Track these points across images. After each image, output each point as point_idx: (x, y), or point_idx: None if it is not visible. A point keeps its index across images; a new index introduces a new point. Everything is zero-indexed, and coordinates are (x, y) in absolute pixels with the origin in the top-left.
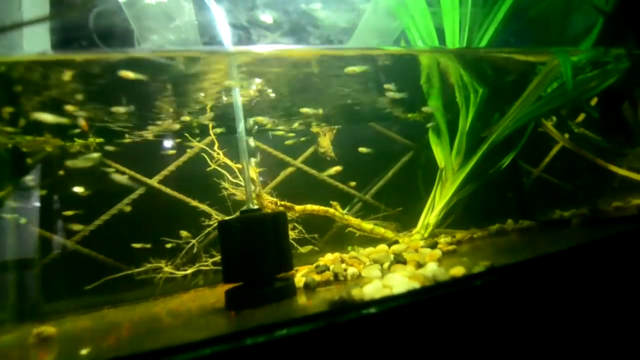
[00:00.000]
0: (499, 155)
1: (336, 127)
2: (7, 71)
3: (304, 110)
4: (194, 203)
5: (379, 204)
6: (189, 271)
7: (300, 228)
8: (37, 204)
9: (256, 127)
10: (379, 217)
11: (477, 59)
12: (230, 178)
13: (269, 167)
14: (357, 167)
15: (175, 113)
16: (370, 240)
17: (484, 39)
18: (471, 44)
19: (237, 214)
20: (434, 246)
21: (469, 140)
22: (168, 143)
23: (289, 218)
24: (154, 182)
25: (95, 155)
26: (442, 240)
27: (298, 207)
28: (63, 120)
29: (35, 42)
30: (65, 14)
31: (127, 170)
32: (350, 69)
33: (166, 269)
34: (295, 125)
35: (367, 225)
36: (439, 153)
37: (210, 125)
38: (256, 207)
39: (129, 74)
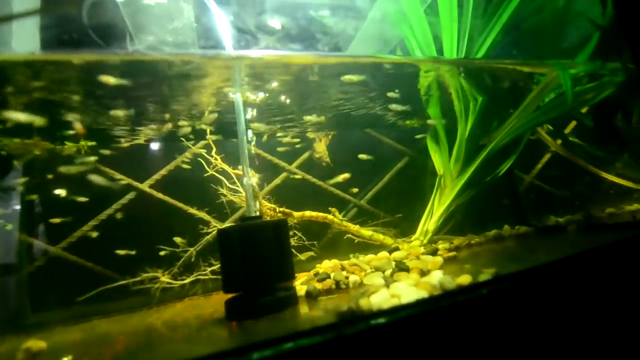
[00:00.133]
0: (497, 162)
1: (332, 132)
2: None
3: (308, 118)
4: (192, 210)
5: (374, 210)
6: (187, 280)
7: (300, 235)
8: (23, 209)
9: (252, 135)
10: (378, 223)
11: (477, 68)
12: (228, 184)
13: (263, 172)
14: (353, 172)
15: (171, 117)
16: (369, 246)
17: (482, 49)
18: (470, 55)
19: (237, 221)
20: (434, 253)
21: (468, 148)
22: (163, 147)
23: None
24: (145, 186)
25: (91, 159)
26: (441, 246)
27: (297, 214)
28: (37, 120)
29: (25, 40)
30: (56, 8)
31: (118, 175)
32: (347, 78)
33: (163, 278)
34: (291, 133)
35: (366, 232)
36: (438, 160)
37: (208, 130)
38: (257, 214)
39: (110, 79)
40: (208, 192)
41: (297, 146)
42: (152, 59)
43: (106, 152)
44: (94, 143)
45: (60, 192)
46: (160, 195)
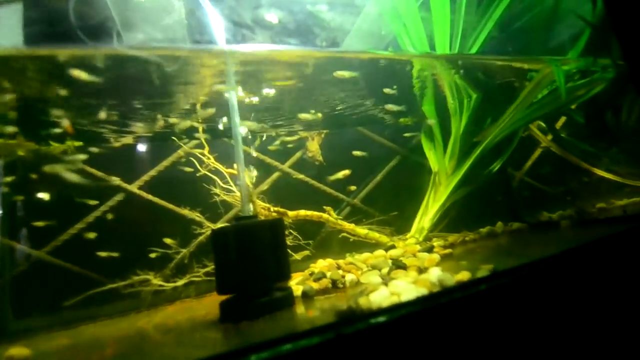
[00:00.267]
0: (490, 159)
1: (324, 131)
2: None
3: (303, 116)
4: (184, 211)
5: (367, 208)
6: (180, 283)
7: (296, 234)
8: (5, 211)
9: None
10: (373, 221)
11: (471, 64)
12: (221, 183)
13: (257, 171)
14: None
15: (161, 115)
16: (364, 245)
17: (475, 46)
18: (463, 51)
19: (232, 221)
20: (430, 250)
21: (462, 145)
22: (153, 147)
23: None
24: (134, 187)
25: (79, 157)
26: (436, 243)
27: (291, 213)
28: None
29: (6, 34)
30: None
31: (106, 176)
32: (339, 74)
33: (155, 281)
34: (284, 132)
35: (362, 230)
36: (432, 157)
37: (201, 129)
38: (252, 214)
39: (82, 75)
40: (201, 192)
41: (290, 145)
42: (140, 54)
43: (94, 151)
44: (80, 143)
45: (45, 194)
46: (150, 197)
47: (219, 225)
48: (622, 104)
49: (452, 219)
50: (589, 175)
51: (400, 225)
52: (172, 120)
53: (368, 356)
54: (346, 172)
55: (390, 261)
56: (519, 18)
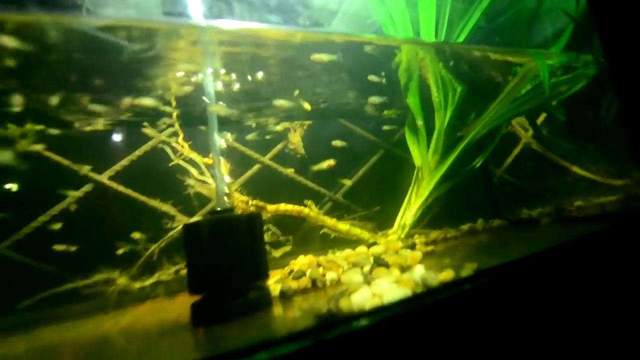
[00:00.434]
0: (473, 154)
1: (307, 122)
2: None
3: (279, 102)
4: (154, 202)
5: (349, 203)
6: (147, 283)
7: (274, 230)
8: None
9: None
10: (355, 217)
11: (456, 55)
12: (196, 174)
13: (233, 162)
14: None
15: (127, 97)
16: (345, 241)
17: (461, 37)
18: (449, 40)
19: (207, 215)
20: (412, 247)
21: (446, 139)
22: (121, 133)
23: None
24: (104, 178)
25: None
26: (418, 240)
27: (271, 207)
28: None
29: None
30: None
31: (71, 164)
32: (317, 57)
33: (120, 281)
34: (263, 120)
35: (343, 226)
36: (416, 151)
37: (175, 115)
38: (228, 207)
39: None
40: (174, 183)
41: (268, 137)
42: (109, 24)
43: (57, 137)
44: (42, 127)
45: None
46: (121, 188)
47: (193, 219)
48: (601, 101)
49: (434, 215)
50: (567, 173)
51: (382, 220)
52: (142, 102)
53: None
54: (331, 162)
55: (372, 259)
56: (503, 13)
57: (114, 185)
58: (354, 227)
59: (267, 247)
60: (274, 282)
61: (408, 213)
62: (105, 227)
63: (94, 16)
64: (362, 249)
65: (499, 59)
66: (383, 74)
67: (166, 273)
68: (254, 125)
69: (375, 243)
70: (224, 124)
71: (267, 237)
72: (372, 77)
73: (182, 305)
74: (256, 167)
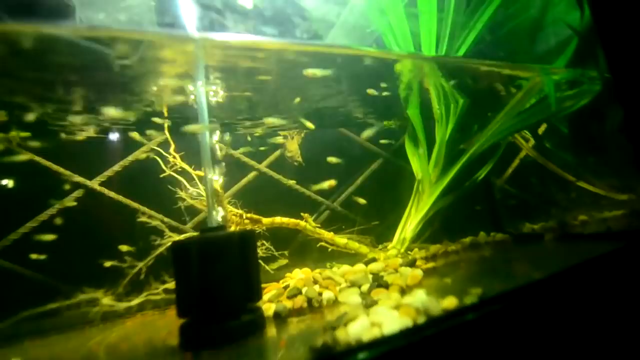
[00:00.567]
0: (475, 167)
1: (304, 130)
2: None
3: (269, 120)
4: (144, 218)
5: (347, 213)
6: (134, 303)
7: (271, 241)
8: None
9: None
10: (354, 231)
11: (459, 68)
12: (189, 186)
13: (229, 171)
14: (326, 173)
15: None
16: (344, 254)
17: (463, 48)
18: (450, 53)
19: (196, 233)
20: (412, 264)
21: (447, 152)
22: (113, 144)
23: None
24: (94, 184)
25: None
26: (418, 255)
27: (266, 220)
28: None
29: None
30: None
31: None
32: (310, 72)
33: (105, 301)
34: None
35: (341, 240)
36: (416, 163)
37: (166, 125)
38: (219, 224)
39: None
40: (165, 195)
41: (262, 148)
42: (97, 35)
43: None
44: (27, 134)
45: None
46: (112, 194)
47: (183, 236)
48: (607, 116)
49: (433, 229)
50: (570, 186)
51: (381, 232)
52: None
53: None
54: (332, 182)
55: (370, 276)
56: (505, 24)
57: (109, 192)
58: (352, 241)
59: (262, 260)
60: (268, 300)
61: (408, 227)
62: (93, 240)
63: (88, 26)
64: (360, 266)
65: (502, 72)
66: (384, 85)
67: (155, 292)
68: (249, 138)
69: (374, 259)
70: (222, 132)
71: (262, 250)
72: (371, 91)
73: (172, 320)
74: (252, 174)
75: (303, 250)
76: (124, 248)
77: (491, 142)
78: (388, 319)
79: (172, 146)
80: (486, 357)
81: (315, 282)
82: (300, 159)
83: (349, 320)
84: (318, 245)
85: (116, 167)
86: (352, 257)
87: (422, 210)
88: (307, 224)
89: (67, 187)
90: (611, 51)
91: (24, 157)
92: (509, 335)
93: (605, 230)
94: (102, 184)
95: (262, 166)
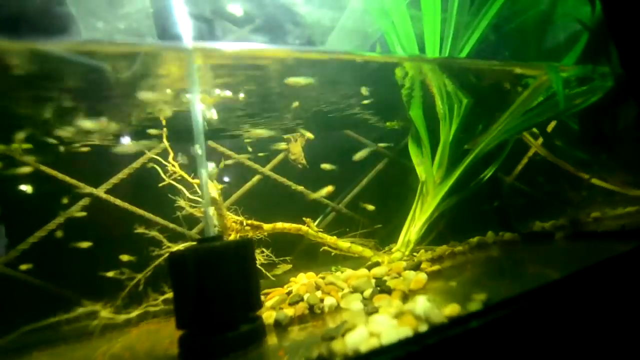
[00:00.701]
0: (481, 167)
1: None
2: None
3: (256, 132)
4: (141, 229)
5: (353, 214)
6: (133, 314)
7: (268, 253)
8: None
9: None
10: (356, 234)
11: (463, 68)
12: (188, 194)
13: (233, 175)
14: (330, 175)
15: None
16: (348, 257)
17: (467, 48)
18: (454, 53)
19: (193, 243)
20: (417, 267)
21: (451, 152)
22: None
23: (256, 237)
24: (100, 191)
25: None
26: (423, 257)
27: (267, 226)
28: None
29: None
30: None
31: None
32: (292, 81)
33: (103, 313)
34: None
35: (344, 244)
36: (420, 165)
37: (165, 133)
38: (217, 234)
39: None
40: (164, 204)
41: (260, 154)
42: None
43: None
44: (29, 145)
45: None
46: (118, 202)
47: (181, 246)
48: (619, 113)
49: (439, 230)
50: (582, 183)
51: (387, 235)
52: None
53: None
54: (329, 188)
55: (373, 281)
56: (512, 20)
57: (115, 199)
58: (355, 245)
59: (267, 266)
60: (271, 306)
61: (412, 229)
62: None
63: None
64: (362, 271)
65: (508, 71)
66: (386, 86)
67: (153, 304)
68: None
69: (377, 263)
70: (227, 137)
71: (266, 255)
72: (364, 90)
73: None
74: (256, 178)
75: (309, 254)
76: (124, 257)
77: (497, 142)
78: (387, 327)
79: (171, 154)
80: None
81: (318, 287)
82: (304, 162)
83: (347, 330)
84: (321, 250)
85: (121, 175)
86: (358, 260)
87: (427, 212)
88: (309, 228)
89: (72, 196)
90: (623, 46)
91: (28, 168)
92: (516, 344)
93: (618, 227)
94: (107, 191)
95: (266, 169)
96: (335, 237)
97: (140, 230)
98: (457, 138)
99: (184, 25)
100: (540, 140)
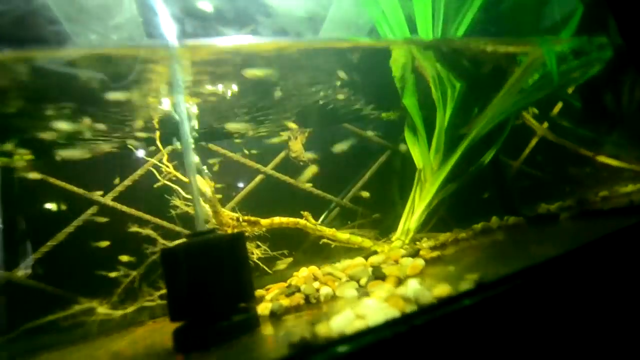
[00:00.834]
0: (480, 151)
1: (308, 129)
2: None
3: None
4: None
5: (357, 208)
6: (129, 310)
7: (265, 247)
8: None
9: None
10: (355, 225)
11: (454, 51)
12: (184, 194)
13: (236, 176)
14: (332, 170)
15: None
16: (350, 248)
17: (460, 30)
18: (446, 35)
19: (187, 238)
20: (416, 254)
21: (448, 138)
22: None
23: (255, 233)
24: (107, 199)
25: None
26: (425, 244)
27: (264, 221)
28: None
29: None
30: None
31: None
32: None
33: (100, 309)
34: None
35: (343, 235)
36: (417, 152)
37: (158, 135)
38: (208, 228)
39: None
40: (160, 203)
41: (254, 152)
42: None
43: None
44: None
45: None
46: (121, 207)
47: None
48: (622, 85)
49: (442, 217)
50: (589, 162)
51: (387, 225)
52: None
53: None
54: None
55: (370, 269)
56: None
57: (115, 204)
58: (354, 236)
59: (269, 261)
60: (270, 299)
61: (411, 217)
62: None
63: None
64: (359, 259)
65: (501, 50)
66: (381, 75)
67: (150, 299)
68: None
69: (375, 252)
70: (227, 136)
71: (268, 250)
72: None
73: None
74: (259, 178)
75: (313, 249)
76: (124, 258)
77: (494, 124)
78: (374, 310)
79: (165, 156)
80: (485, 347)
81: (316, 278)
82: (305, 159)
83: (333, 314)
84: (321, 243)
85: (127, 182)
86: (362, 252)
87: (425, 199)
88: (307, 222)
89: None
90: (623, 16)
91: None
92: (511, 323)
93: (626, 203)
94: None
95: (268, 169)
96: (333, 229)
97: (144, 231)
98: (452, 123)
99: (168, 24)
100: (546, 124)
